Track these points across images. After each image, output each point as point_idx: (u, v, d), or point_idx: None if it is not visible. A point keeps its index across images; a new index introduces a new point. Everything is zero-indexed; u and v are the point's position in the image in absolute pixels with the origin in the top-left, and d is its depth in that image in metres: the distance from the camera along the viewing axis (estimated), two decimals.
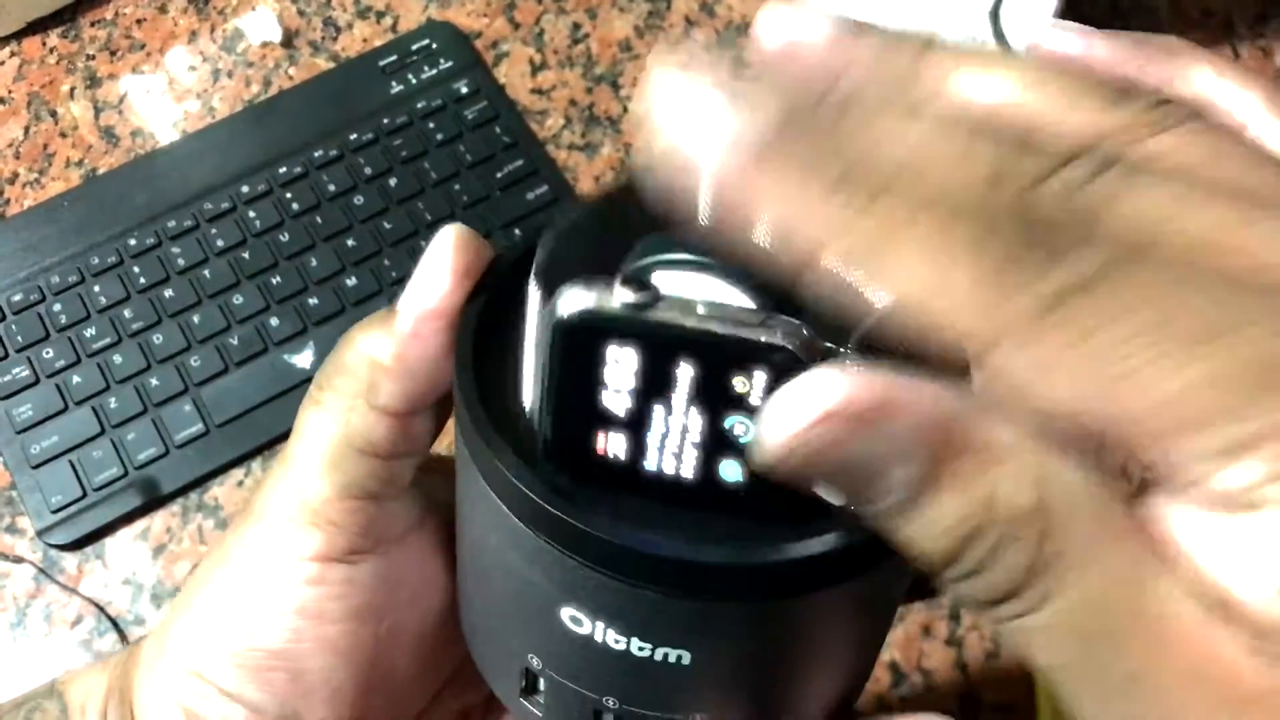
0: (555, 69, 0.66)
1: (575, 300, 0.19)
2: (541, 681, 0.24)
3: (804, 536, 0.20)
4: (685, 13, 0.67)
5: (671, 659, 0.21)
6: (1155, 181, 0.16)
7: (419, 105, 0.64)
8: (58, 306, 0.59)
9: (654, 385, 0.19)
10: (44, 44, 0.68)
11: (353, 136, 0.63)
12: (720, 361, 0.19)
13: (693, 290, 0.20)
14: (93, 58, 0.68)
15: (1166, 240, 0.16)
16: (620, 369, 0.19)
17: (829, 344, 0.19)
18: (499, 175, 0.62)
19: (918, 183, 0.16)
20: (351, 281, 0.59)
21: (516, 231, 0.60)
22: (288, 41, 0.67)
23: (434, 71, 0.65)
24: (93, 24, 0.69)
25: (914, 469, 0.17)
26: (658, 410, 0.19)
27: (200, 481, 0.56)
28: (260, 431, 0.56)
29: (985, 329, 0.16)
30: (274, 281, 0.59)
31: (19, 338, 0.58)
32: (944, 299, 0.16)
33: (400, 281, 0.59)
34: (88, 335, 0.58)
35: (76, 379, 0.57)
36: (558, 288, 0.19)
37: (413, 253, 0.59)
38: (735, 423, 0.19)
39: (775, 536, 0.20)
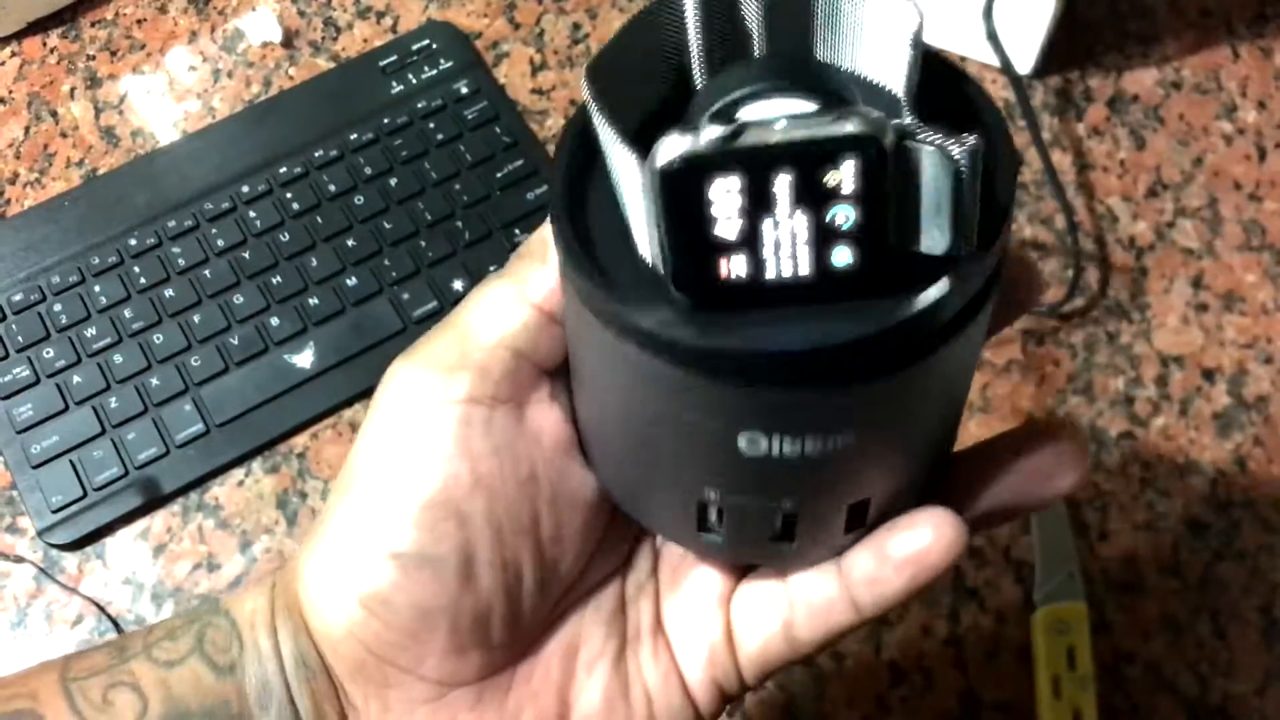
0: (555, 69, 0.66)
1: (672, 148, 0.21)
2: (715, 511, 0.27)
3: (924, 294, 0.22)
4: None
5: (839, 446, 0.24)
6: None
7: (419, 105, 0.64)
8: (58, 306, 0.59)
9: (759, 203, 0.21)
10: (44, 44, 0.68)
11: (353, 136, 0.63)
12: (810, 164, 0.21)
13: (772, 110, 0.22)
14: (93, 58, 0.68)
15: None
16: (726, 198, 0.21)
17: (900, 124, 0.21)
18: (499, 175, 0.62)
19: None
20: (352, 281, 0.59)
21: (517, 231, 0.60)
22: (288, 42, 0.68)
23: (434, 72, 0.65)
24: (93, 24, 0.69)
25: None
26: (767, 224, 0.22)
27: (201, 481, 0.56)
28: (260, 431, 0.56)
29: None
30: (274, 281, 0.59)
31: (19, 338, 0.58)
32: None
33: (400, 281, 0.59)
34: (88, 335, 0.58)
35: (77, 379, 0.57)
36: (642, 139, 0.21)
37: (413, 252, 0.60)
38: (836, 213, 0.21)
39: (906, 305, 0.22)
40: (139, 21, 0.69)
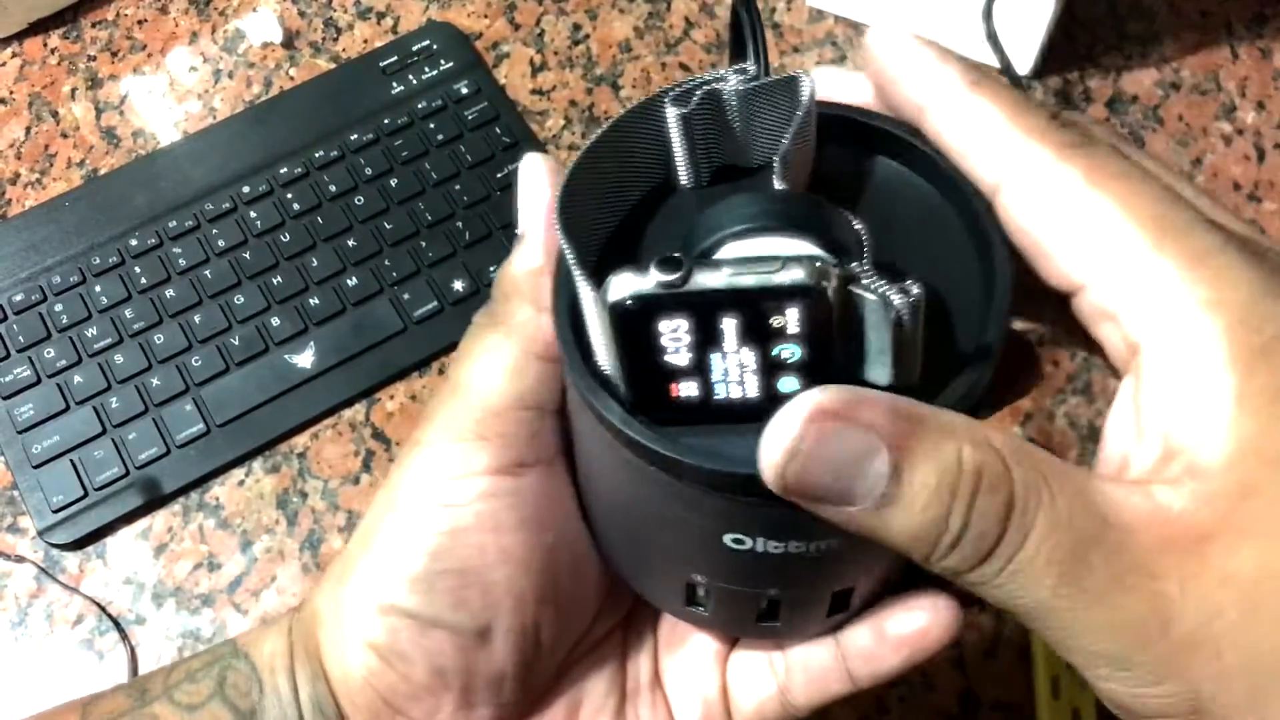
0: (555, 70, 0.66)
1: (621, 287, 0.22)
2: (703, 591, 0.28)
3: None
4: (685, 14, 0.67)
5: (824, 548, 0.25)
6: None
7: (419, 106, 0.64)
8: (59, 306, 0.59)
9: (706, 338, 0.22)
10: (45, 45, 0.68)
11: (353, 137, 0.63)
12: (756, 308, 0.22)
13: (744, 250, 0.24)
14: (94, 58, 0.68)
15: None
16: (674, 333, 0.22)
17: (843, 269, 0.22)
18: (499, 175, 0.62)
19: None
20: (352, 281, 0.59)
21: (517, 232, 0.60)
22: (288, 42, 0.68)
23: (434, 72, 0.65)
24: (94, 25, 0.69)
25: (887, 456, 0.21)
26: (714, 356, 0.23)
27: (201, 481, 0.56)
28: (261, 431, 0.56)
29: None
30: (275, 281, 0.59)
31: (20, 338, 0.58)
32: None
33: (401, 281, 0.59)
34: (89, 335, 0.58)
35: (78, 379, 0.57)
36: (598, 272, 0.22)
37: (413, 253, 0.60)
38: (782, 349, 0.22)
39: None
40: (140, 22, 0.69)
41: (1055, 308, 0.24)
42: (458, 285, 0.59)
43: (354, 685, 0.30)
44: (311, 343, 0.58)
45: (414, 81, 0.65)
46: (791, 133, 0.25)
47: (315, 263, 0.60)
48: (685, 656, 0.32)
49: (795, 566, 0.26)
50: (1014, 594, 0.22)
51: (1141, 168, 0.23)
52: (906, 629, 0.28)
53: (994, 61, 0.61)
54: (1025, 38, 0.61)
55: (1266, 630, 0.21)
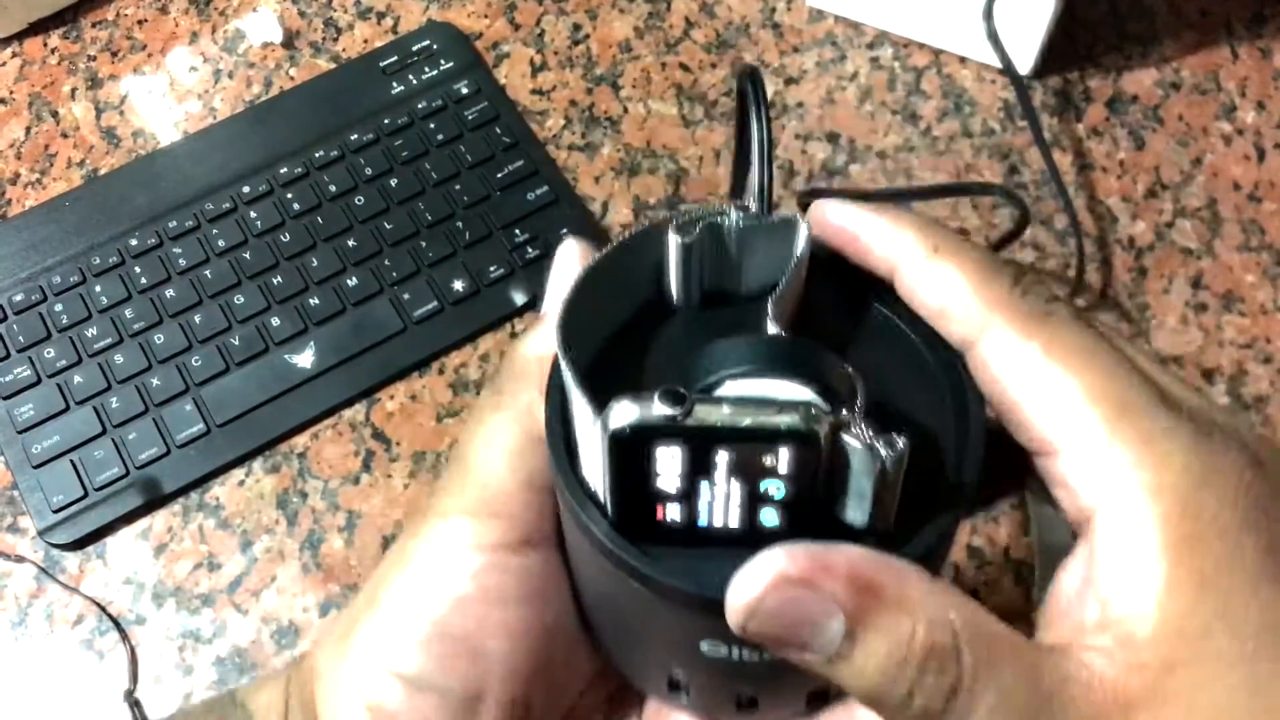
0: (555, 69, 0.66)
1: (623, 414, 0.23)
2: (684, 682, 0.29)
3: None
4: (685, 14, 0.67)
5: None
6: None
7: (419, 106, 0.64)
8: (59, 306, 0.59)
9: (698, 468, 0.23)
10: (45, 45, 0.68)
11: (353, 137, 0.63)
12: (749, 446, 0.23)
13: (743, 389, 0.25)
14: (94, 58, 0.68)
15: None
16: (669, 461, 0.23)
17: (835, 417, 0.23)
18: (499, 175, 0.62)
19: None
20: (352, 281, 0.59)
21: (517, 232, 0.60)
22: (288, 42, 0.68)
23: (434, 72, 0.65)
24: (94, 25, 0.69)
25: (844, 619, 0.22)
26: (704, 485, 0.24)
27: (201, 481, 0.56)
28: (261, 431, 0.56)
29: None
30: (275, 281, 0.59)
31: (20, 338, 0.58)
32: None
33: (401, 281, 0.59)
34: (89, 335, 0.58)
35: (78, 379, 0.57)
36: (602, 399, 0.24)
37: (413, 252, 0.60)
38: (769, 485, 0.24)
39: None
40: (140, 22, 0.69)
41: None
42: (458, 285, 0.59)
43: None
44: (311, 343, 0.58)
45: (414, 81, 0.65)
46: (786, 279, 0.27)
47: (315, 263, 0.60)
48: None
49: (770, 670, 0.27)
50: None
51: (1101, 340, 0.25)
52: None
53: (994, 62, 0.61)
54: (1026, 37, 0.61)
55: None
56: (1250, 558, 0.23)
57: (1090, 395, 0.24)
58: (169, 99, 0.66)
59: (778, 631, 0.23)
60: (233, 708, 0.32)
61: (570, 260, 0.30)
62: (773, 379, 0.25)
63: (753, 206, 0.27)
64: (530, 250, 0.60)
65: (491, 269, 0.59)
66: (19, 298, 0.59)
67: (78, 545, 0.55)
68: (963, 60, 0.65)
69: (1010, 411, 0.25)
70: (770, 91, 0.64)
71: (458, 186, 0.61)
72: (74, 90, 0.67)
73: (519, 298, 0.59)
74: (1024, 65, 0.62)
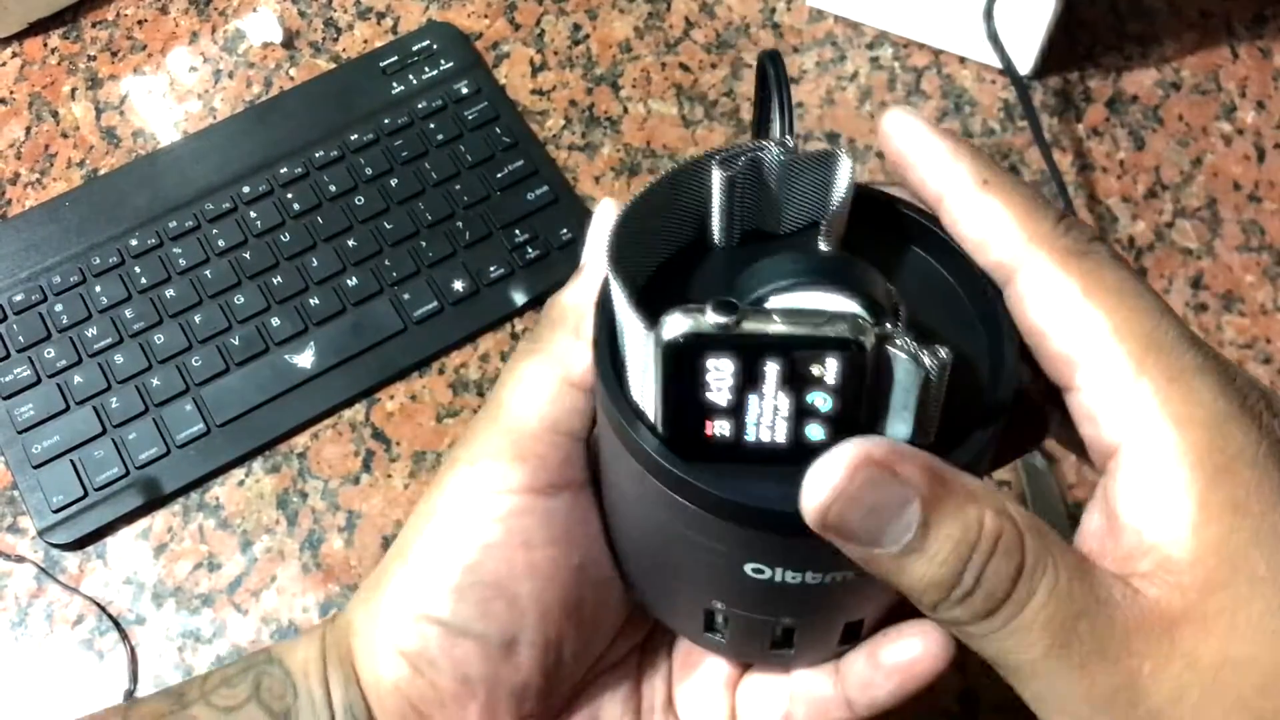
0: (555, 69, 0.66)
1: (677, 325, 0.23)
2: (721, 618, 0.29)
3: None
4: (685, 14, 0.67)
5: (840, 579, 0.27)
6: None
7: (419, 106, 0.64)
8: (59, 306, 0.59)
9: (748, 380, 0.24)
10: (45, 45, 0.68)
11: (353, 137, 0.63)
12: (796, 356, 0.24)
13: (790, 302, 0.26)
14: (94, 58, 0.68)
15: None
16: (719, 372, 0.24)
17: (879, 328, 0.24)
18: (499, 175, 0.62)
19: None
20: (352, 281, 0.59)
21: (517, 232, 0.60)
22: (289, 42, 0.68)
23: (434, 72, 0.65)
24: (94, 25, 0.69)
25: (918, 507, 0.23)
26: (753, 398, 0.24)
27: (201, 481, 0.56)
28: (261, 431, 0.56)
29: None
30: (275, 281, 0.59)
31: (20, 338, 0.58)
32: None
33: (401, 281, 0.59)
34: (89, 335, 0.58)
35: (78, 379, 0.57)
36: (653, 311, 0.24)
37: (413, 252, 0.60)
38: (815, 398, 0.24)
39: None
40: (140, 22, 0.69)
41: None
42: (458, 285, 0.59)
43: (384, 691, 0.31)
44: (311, 343, 0.58)
45: (414, 81, 0.65)
46: (837, 203, 0.27)
47: (315, 263, 0.60)
48: (697, 682, 0.34)
49: (811, 597, 0.27)
50: (1007, 651, 0.24)
51: (1137, 280, 0.25)
52: (900, 658, 0.29)
53: (995, 62, 0.61)
54: (1026, 37, 0.61)
55: (1222, 713, 0.23)
56: (1279, 487, 0.24)
57: (1120, 331, 0.24)
58: (169, 99, 0.66)
59: (856, 519, 0.23)
60: (269, 665, 0.33)
61: (609, 215, 0.30)
62: (818, 291, 0.26)
63: (790, 142, 0.27)
64: (530, 250, 0.60)
65: (491, 269, 0.59)
66: (19, 298, 0.59)
67: (78, 545, 0.55)
68: (963, 60, 0.65)
69: (1041, 344, 0.26)
70: None
71: (458, 186, 0.61)
72: (74, 90, 0.67)
73: (519, 298, 0.59)
74: (1024, 65, 0.62)
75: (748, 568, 0.26)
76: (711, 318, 0.23)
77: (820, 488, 0.23)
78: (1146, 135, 0.62)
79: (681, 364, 0.24)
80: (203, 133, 0.64)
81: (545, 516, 0.30)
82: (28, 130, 0.66)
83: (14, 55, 0.68)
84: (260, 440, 0.56)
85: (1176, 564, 0.24)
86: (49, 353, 0.58)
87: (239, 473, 0.56)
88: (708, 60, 0.66)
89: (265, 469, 0.56)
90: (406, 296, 0.59)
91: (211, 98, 0.66)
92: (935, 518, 0.23)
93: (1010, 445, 0.30)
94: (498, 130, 0.63)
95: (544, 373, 0.30)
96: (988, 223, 0.26)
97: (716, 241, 0.29)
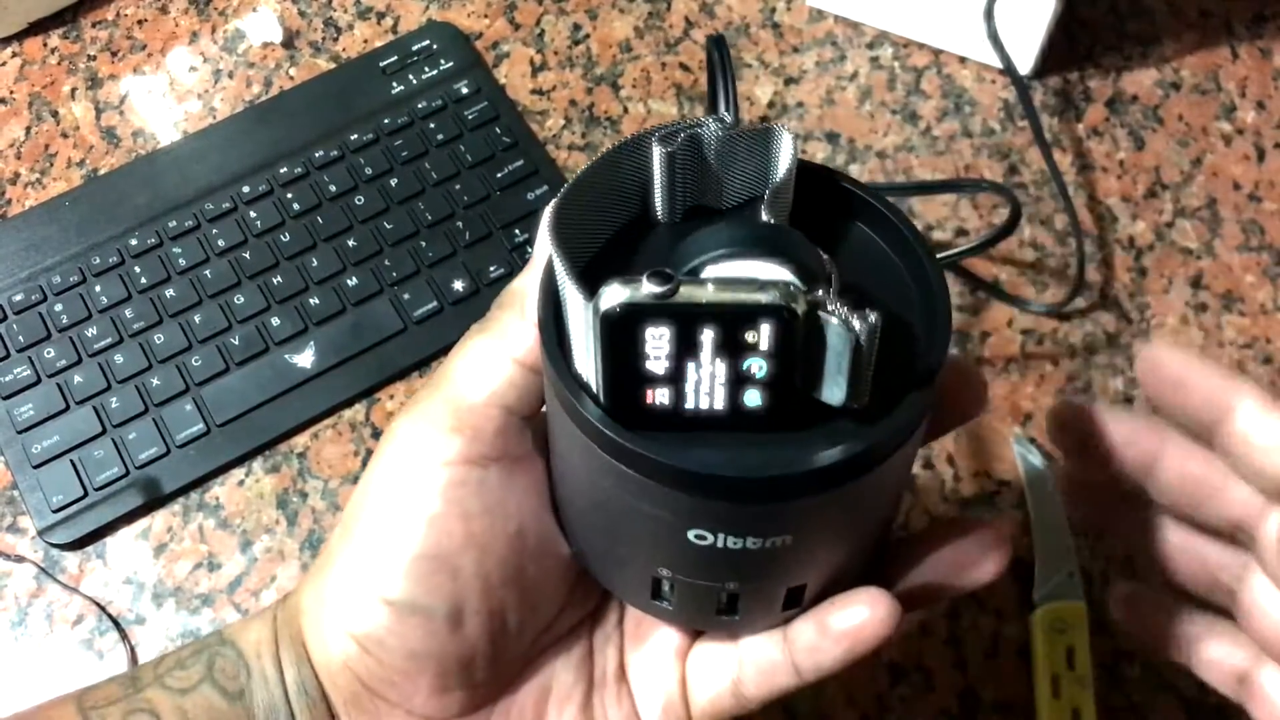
0: (555, 69, 0.66)
1: (614, 295, 0.24)
2: (667, 585, 0.30)
3: (840, 439, 0.26)
4: (685, 14, 0.67)
5: (779, 544, 0.27)
6: None
7: (419, 106, 0.64)
8: (59, 306, 0.59)
9: (685, 348, 0.25)
10: (45, 45, 0.68)
11: (353, 137, 0.63)
12: (732, 323, 0.24)
13: (725, 271, 0.26)
14: (94, 58, 0.68)
15: None
16: (657, 341, 0.25)
17: (811, 295, 0.24)
18: (499, 175, 0.62)
19: None
20: (352, 281, 0.59)
21: (517, 231, 0.60)
22: (288, 42, 0.68)
23: (434, 72, 0.65)
24: (94, 25, 0.69)
25: None
26: (690, 365, 0.25)
27: (201, 481, 0.56)
28: (261, 431, 0.56)
29: None
30: (275, 281, 0.59)
31: (20, 337, 0.58)
32: None
33: (401, 281, 0.59)
34: (89, 335, 0.58)
35: (78, 379, 0.57)
36: (595, 285, 0.25)
37: (413, 253, 0.60)
38: (751, 364, 0.25)
39: (833, 442, 0.26)
40: (140, 22, 0.69)
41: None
42: (458, 285, 0.59)
43: (335, 670, 0.31)
44: (311, 343, 0.58)
45: (414, 81, 0.65)
46: (780, 177, 0.28)
47: (315, 263, 0.60)
48: (648, 651, 0.34)
49: (753, 561, 0.28)
50: None
51: None
52: (847, 624, 0.30)
53: (995, 62, 0.61)
54: (1026, 37, 0.61)
55: None
56: None
57: None
58: (169, 99, 0.66)
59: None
60: (222, 646, 0.33)
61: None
62: (751, 260, 0.26)
63: (729, 119, 0.28)
64: (530, 250, 0.60)
65: (491, 269, 0.59)
66: (19, 298, 0.59)
67: (78, 545, 0.55)
68: (963, 60, 0.65)
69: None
70: (770, 91, 0.64)
71: (458, 186, 0.61)
72: (74, 90, 0.67)
73: None
74: (1024, 65, 0.62)
75: (690, 534, 0.27)
76: (647, 288, 0.24)
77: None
78: (1146, 135, 0.62)
79: (619, 334, 0.24)
80: (203, 133, 0.64)
81: (479, 487, 0.30)
82: (28, 130, 0.66)
83: (14, 55, 0.68)
84: (260, 440, 0.56)
85: None
86: (49, 353, 0.58)
87: (239, 473, 0.56)
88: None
89: (265, 469, 0.56)
90: (406, 296, 0.59)
91: (211, 98, 0.66)
92: None
93: (953, 414, 0.31)
94: (498, 130, 0.63)
95: (490, 348, 0.31)
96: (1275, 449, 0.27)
97: (660, 217, 0.30)
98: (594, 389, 0.26)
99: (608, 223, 0.30)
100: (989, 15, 0.59)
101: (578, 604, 0.34)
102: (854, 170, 0.62)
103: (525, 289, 0.31)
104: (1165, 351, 0.29)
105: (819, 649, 0.30)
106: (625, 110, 0.64)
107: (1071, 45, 0.65)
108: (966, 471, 0.54)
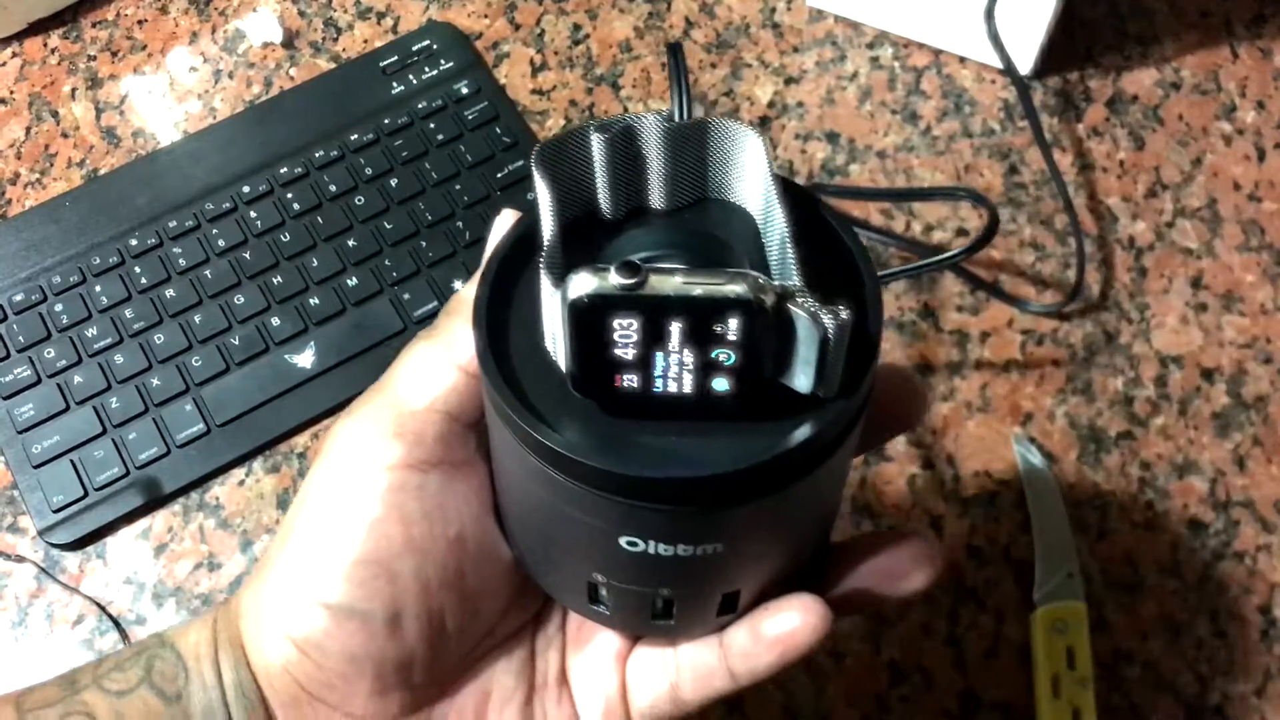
0: (555, 70, 0.66)
1: (581, 285, 0.24)
2: (603, 590, 0.30)
3: (787, 435, 0.26)
4: (685, 14, 0.67)
5: (710, 551, 0.28)
6: None
7: (419, 106, 0.64)
8: (59, 306, 0.59)
9: (653, 336, 0.25)
10: (45, 45, 0.68)
11: (353, 137, 0.63)
12: (700, 315, 0.24)
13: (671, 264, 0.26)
14: (94, 58, 0.68)
15: None
16: (625, 330, 0.25)
17: (780, 288, 0.25)
18: (499, 175, 0.62)
19: None
20: (352, 281, 0.59)
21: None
22: (289, 42, 0.68)
23: (434, 72, 0.65)
24: (94, 25, 0.69)
25: None
26: (659, 353, 0.25)
27: (201, 481, 0.56)
28: (261, 431, 0.56)
29: None
30: (275, 281, 0.59)
31: (20, 338, 0.58)
32: None
33: (401, 281, 0.59)
34: (89, 335, 0.58)
35: (78, 379, 0.57)
36: (561, 273, 0.25)
37: (413, 253, 0.60)
38: (720, 353, 0.25)
39: (770, 445, 0.26)
40: (140, 22, 0.69)
41: None
42: (458, 285, 0.59)
43: (274, 673, 0.32)
44: (311, 343, 0.58)
45: (414, 81, 0.65)
46: (746, 168, 0.28)
47: (315, 263, 0.60)
48: (589, 655, 0.34)
49: (685, 568, 0.28)
50: None
51: None
52: (779, 630, 0.30)
53: (995, 62, 0.61)
54: (1026, 37, 0.61)
55: None
56: None
57: None
58: (169, 99, 0.66)
59: None
60: (161, 648, 0.33)
61: (505, 223, 0.32)
62: (678, 264, 0.27)
63: (668, 112, 0.29)
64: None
65: None
66: (19, 298, 0.59)
67: (78, 545, 0.55)
68: (963, 60, 0.65)
69: None
70: (770, 91, 0.64)
71: (458, 186, 0.61)
72: (74, 90, 0.67)
73: None
74: (1024, 65, 0.62)
75: (622, 540, 0.27)
76: (615, 278, 0.24)
77: None
78: (1146, 135, 0.62)
79: (587, 322, 0.25)
80: (203, 133, 0.64)
81: (418, 491, 0.30)
82: (28, 130, 0.66)
83: (14, 55, 0.68)
84: (260, 440, 0.56)
85: None
86: (49, 353, 0.58)
87: (239, 472, 0.56)
88: (708, 60, 0.66)
89: (265, 469, 0.56)
90: (407, 296, 0.59)
91: (211, 98, 0.66)
92: None
93: (891, 422, 0.32)
94: (498, 130, 0.63)
95: (434, 354, 0.31)
96: None
97: (604, 212, 0.30)
98: (564, 370, 0.27)
99: (558, 211, 0.30)
100: (989, 15, 0.59)
101: (520, 608, 0.35)
102: (853, 170, 0.62)
103: (469, 297, 0.31)
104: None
105: (752, 654, 0.31)
106: (625, 110, 0.64)
107: (1071, 45, 0.65)
108: (966, 471, 0.55)
